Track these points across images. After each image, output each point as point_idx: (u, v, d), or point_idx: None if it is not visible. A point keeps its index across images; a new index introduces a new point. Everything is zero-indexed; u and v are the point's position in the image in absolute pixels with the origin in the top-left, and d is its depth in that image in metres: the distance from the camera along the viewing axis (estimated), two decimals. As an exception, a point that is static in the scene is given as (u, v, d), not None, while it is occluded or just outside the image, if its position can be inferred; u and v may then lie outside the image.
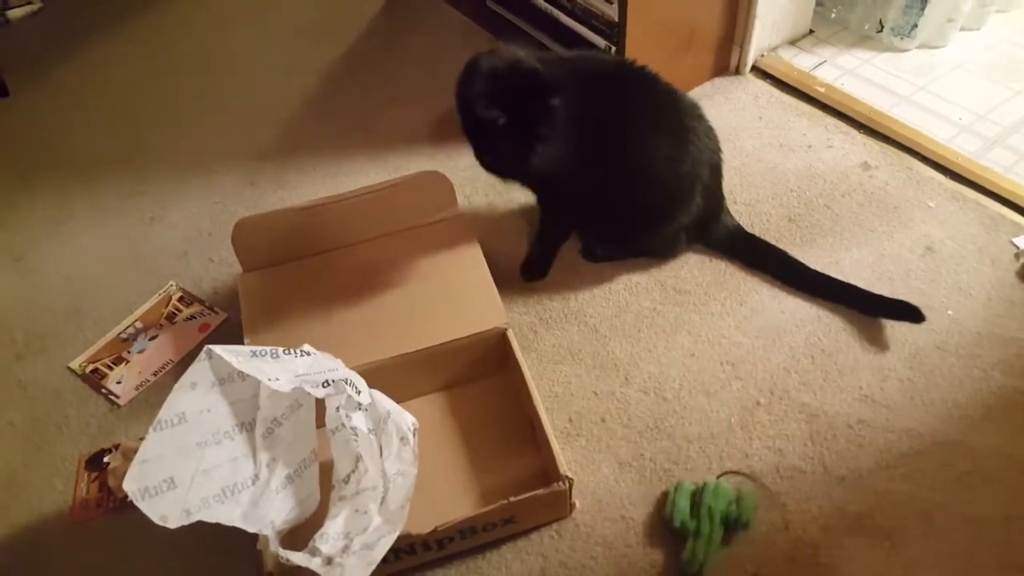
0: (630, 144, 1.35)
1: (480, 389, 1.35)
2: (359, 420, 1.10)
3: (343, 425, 1.09)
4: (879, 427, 1.27)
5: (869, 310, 1.41)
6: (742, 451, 1.26)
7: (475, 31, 2.09)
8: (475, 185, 1.69)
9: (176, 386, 1.05)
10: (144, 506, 0.99)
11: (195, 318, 1.53)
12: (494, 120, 1.20)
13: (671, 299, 1.47)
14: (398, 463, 1.11)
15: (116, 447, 1.34)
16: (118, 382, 1.45)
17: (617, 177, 1.37)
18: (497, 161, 1.30)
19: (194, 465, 1.07)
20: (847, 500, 1.19)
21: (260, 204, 1.72)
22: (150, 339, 1.51)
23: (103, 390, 1.44)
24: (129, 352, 1.49)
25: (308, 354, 1.13)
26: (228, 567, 1.16)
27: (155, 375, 1.45)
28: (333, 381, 1.08)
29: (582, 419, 1.32)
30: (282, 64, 2.10)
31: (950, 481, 1.21)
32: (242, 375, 1.07)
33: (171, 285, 1.58)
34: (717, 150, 1.44)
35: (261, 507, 1.11)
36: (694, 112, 1.40)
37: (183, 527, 0.99)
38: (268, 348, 1.10)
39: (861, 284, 1.43)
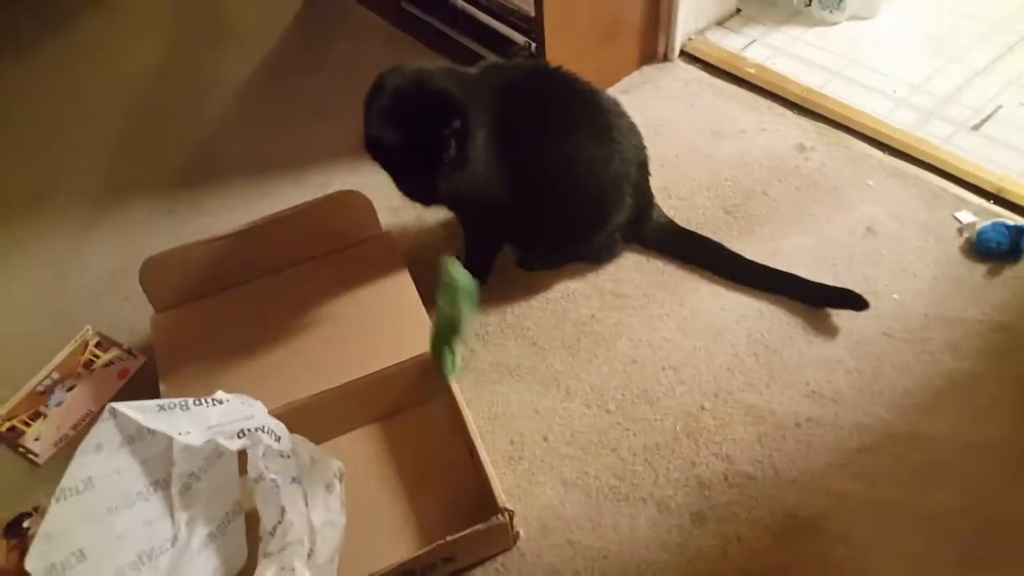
0: (553, 152, 1.29)
1: (415, 418, 1.29)
2: (280, 469, 1.03)
3: (263, 475, 1.03)
4: (828, 424, 1.23)
5: (811, 300, 1.37)
6: (689, 460, 1.21)
7: (394, 34, 2.01)
8: (403, 198, 1.62)
9: (79, 450, 0.98)
10: None
11: (114, 364, 1.44)
12: (386, 141, 1.15)
13: (610, 304, 1.41)
14: (325, 513, 1.04)
15: (36, 510, 1.26)
16: (36, 439, 1.36)
17: (545, 188, 1.31)
18: (405, 186, 1.24)
19: (105, 533, 1.00)
20: (800, 504, 1.15)
21: (179, 234, 1.62)
22: (68, 390, 1.42)
23: (21, 448, 1.35)
24: (47, 406, 1.40)
25: (221, 402, 1.05)
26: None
27: (75, 428, 1.37)
28: (248, 431, 1.02)
29: (523, 440, 1.26)
30: (197, 80, 2.01)
31: (904, 475, 1.17)
32: (152, 430, 1.00)
33: (87, 330, 1.49)
34: (642, 147, 1.39)
35: (182, 570, 1.04)
36: (615, 109, 1.35)
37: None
38: (177, 399, 1.03)
39: (802, 272, 1.39)
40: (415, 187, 1.24)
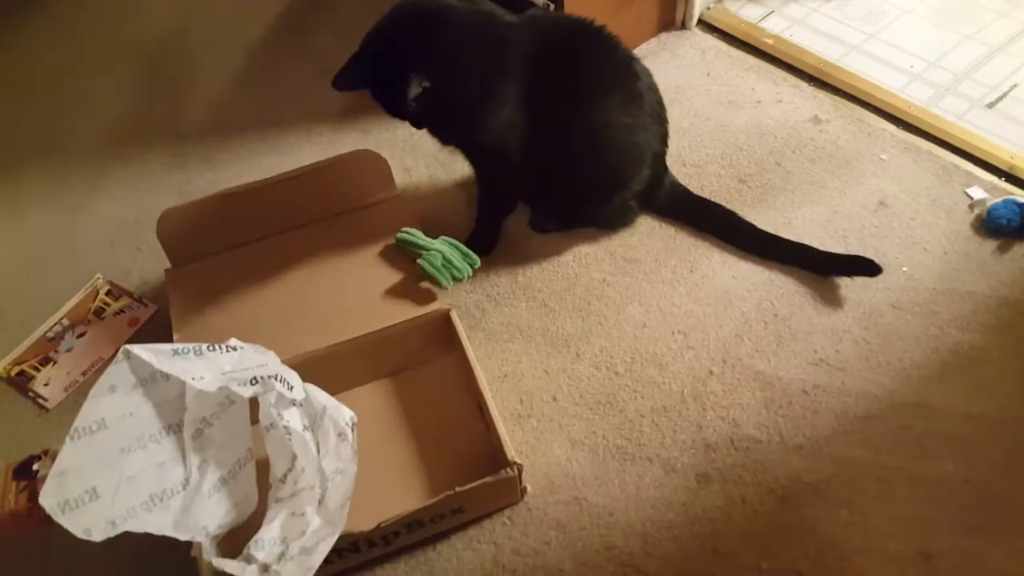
0: (583, 113, 1.29)
1: (427, 374, 1.30)
2: (292, 417, 1.04)
3: (276, 423, 1.04)
4: (835, 391, 1.24)
5: (822, 269, 1.37)
6: (695, 423, 1.22)
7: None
8: (416, 157, 1.62)
9: (93, 391, 0.98)
10: (64, 520, 0.94)
11: (124, 312, 1.45)
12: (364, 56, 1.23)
13: (621, 269, 1.42)
14: (336, 461, 1.05)
15: (46, 453, 1.27)
16: (46, 384, 1.37)
17: (569, 147, 1.31)
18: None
19: (118, 473, 1.01)
20: (804, 469, 1.17)
21: (189, 188, 1.63)
22: (78, 337, 1.43)
23: (30, 393, 1.36)
24: (56, 352, 1.41)
25: (235, 349, 1.06)
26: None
27: (84, 375, 1.38)
28: (262, 378, 1.02)
29: (533, 399, 1.27)
30: (208, 38, 1.99)
31: (908, 444, 1.18)
32: (166, 374, 1.01)
33: (98, 278, 1.50)
34: (665, 119, 1.39)
35: (193, 513, 1.05)
36: (647, 80, 1.35)
37: (120, 538, 0.94)
38: (191, 345, 1.03)
39: (814, 243, 1.40)
40: (389, 107, 1.28)
